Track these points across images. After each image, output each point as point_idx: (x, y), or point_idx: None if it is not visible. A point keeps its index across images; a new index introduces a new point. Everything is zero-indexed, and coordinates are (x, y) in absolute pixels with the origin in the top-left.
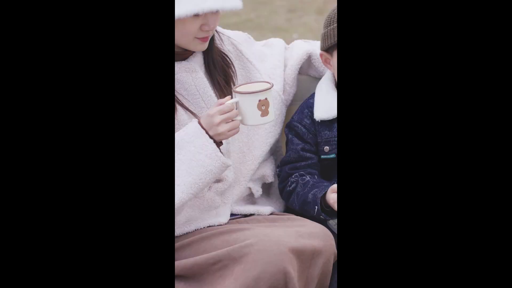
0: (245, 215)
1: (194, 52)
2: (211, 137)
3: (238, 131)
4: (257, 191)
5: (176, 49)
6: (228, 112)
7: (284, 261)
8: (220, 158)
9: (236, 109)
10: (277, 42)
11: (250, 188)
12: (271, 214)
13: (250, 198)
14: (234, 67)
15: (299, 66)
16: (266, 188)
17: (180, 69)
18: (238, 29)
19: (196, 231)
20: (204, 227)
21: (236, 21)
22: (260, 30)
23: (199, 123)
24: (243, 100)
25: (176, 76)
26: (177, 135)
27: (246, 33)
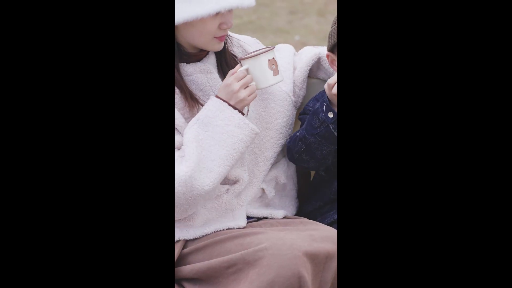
0: (258, 218)
1: (208, 53)
2: (234, 107)
3: (256, 96)
4: (270, 192)
5: (191, 51)
6: (243, 77)
7: (298, 265)
8: (249, 125)
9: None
10: (285, 47)
11: (263, 189)
12: (283, 217)
13: (263, 199)
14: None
15: (309, 68)
16: (279, 190)
17: (195, 70)
18: (240, 31)
19: (210, 234)
20: (223, 229)
21: (238, 22)
22: (261, 32)
23: (218, 97)
24: (253, 64)
25: (191, 77)
26: (200, 114)
27: (254, 38)
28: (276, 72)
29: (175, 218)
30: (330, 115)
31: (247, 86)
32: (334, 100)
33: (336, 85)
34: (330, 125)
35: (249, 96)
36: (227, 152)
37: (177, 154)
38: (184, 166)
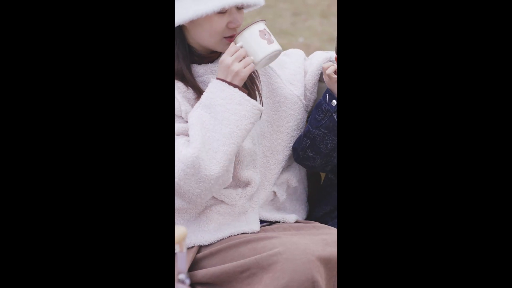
0: (271, 223)
1: (220, 55)
2: (234, 86)
3: (253, 68)
4: (282, 195)
5: (202, 53)
6: (236, 51)
7: (312, 270)
8: (250, 101)
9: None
10: (296, 52)
11: (274, 193)
12: (295, 222)
13: (274, 203)
14: (256, 70)
15: (319, 72)
16: (290, 193)
17: (206, 71)
18: None
19: (224, 239)
20: (237, 234)
21: (241, 24)
22: None
23: (217, 78)
24: (245, 38)
25: (202, 78)
26: (202, 98)
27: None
28: (270, 41)
29: (191, 206)
30: (333, 103)
31: (241, 60)
32: (330, 85)
33: (329, 68)
34: (333, 114)
35: (244, 68)
36: (231, 130)
37: (185, 139)
38: (191, 148)
